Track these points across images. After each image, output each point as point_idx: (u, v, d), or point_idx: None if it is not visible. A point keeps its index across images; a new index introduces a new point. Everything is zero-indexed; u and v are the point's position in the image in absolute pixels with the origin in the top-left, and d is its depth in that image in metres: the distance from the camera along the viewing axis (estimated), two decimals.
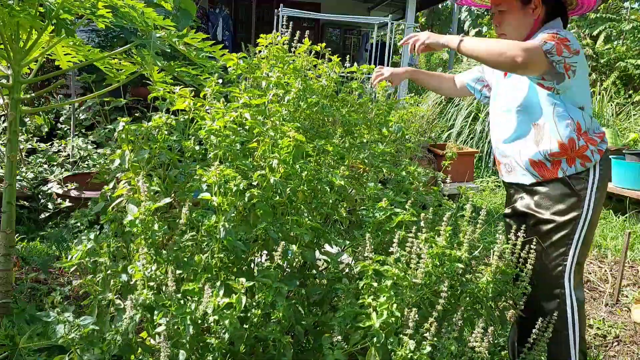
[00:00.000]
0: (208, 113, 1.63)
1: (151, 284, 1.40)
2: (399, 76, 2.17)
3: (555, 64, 1.68)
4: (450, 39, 1.79)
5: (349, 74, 2.10)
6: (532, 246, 1.70)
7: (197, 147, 1.66)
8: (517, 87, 1.87)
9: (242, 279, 1.33)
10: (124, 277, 1.55)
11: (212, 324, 1.30)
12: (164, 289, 1.40)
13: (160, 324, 1.32)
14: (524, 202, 1.91)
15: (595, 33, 8.29)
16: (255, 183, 1.49)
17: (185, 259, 1.46)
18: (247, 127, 1.66)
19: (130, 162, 1.57)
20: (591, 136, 1.79)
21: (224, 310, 1.30)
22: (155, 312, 1.35)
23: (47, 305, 1.51)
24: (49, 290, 2.43)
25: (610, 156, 5.01)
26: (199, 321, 1.33)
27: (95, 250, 1.60)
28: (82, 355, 1.42)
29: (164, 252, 1.45)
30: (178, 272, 1.49)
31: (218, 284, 1.38)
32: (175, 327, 1.32)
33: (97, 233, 1.64)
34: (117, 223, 1.63)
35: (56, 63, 2.31)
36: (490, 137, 2.06)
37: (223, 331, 1.29)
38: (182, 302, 1.34)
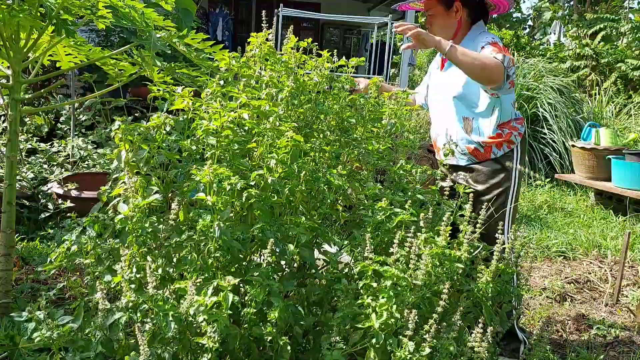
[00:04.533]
0: (207, 113, 1.63)
1: (132, 286, 1.39)
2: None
3: (508, 77, 1.92)
4: (440, 43, 1.90)
5: (340, 69, 2.09)
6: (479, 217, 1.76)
7: (194, 147, 1.65)
8: (454, 81, 2.14)
9: (229, 277, 1.32)
10: (108, 277, 1.55)
11: (202, 323, 1.30)
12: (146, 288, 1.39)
13: (145, 322, 1.32)
14: (461, 178, 2.21)
15: (591, 32, 8.29)
16: (253, 183, 1.49)
17: (177, 257, 1.46)
18: (245, 128, 1.66)
19: (128, 161, 1.57)
20: (514, 124, 2.14)
21: (213, 309, 1.29)
22: (137, 312, 1.35)
23: (33, 308, 1.50)
24: (49, 290, 2.43)
25: (610, 156, 5.02)
26: (186, 319, 1.32)
27: (76, 252, 1.59)
28: (66, 355, 1.41)
29: (155, 250, 1.45)
30: (171, 271, 1.49)
31: (212, 283, 1.37)
32: (158, 325, 1.32)
33: (78, 234, 1.64)
34: (101, 225, 1.63)
35: (58, 64, 2.31)
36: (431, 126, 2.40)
37: (214, 330, 1.29)
38: (164, 299, 1.34)
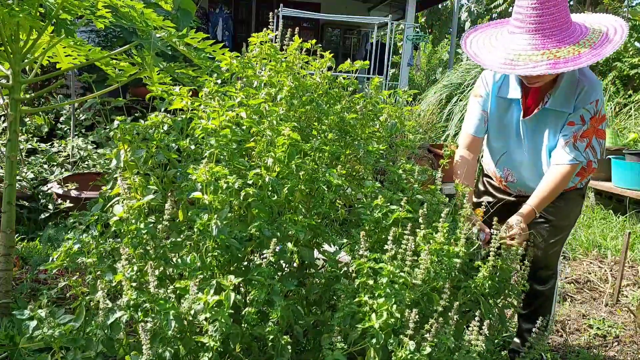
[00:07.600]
0: (205, 112, 1.63)
1: (134, 284, 1.39)
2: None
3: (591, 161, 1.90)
4: (529, 215, 1.85)
5: (341, 72, 2.09)
6: (529, 243, 1.74)
7: (192, 147, 1.66)
8: (545, 131, 1.93)
9: (231, 276, 1.33)
10: (109, 276, 1.55)
11: (203, 322, 1.30)
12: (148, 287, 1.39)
13: (146, 322, 1.32)
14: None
15: None
16: (251, 182, 1.49)
17: (176, 257, 1.46)
18: (244, 127, 1.66)
19: (127, 161, 1.56)
20: None
21: (215, 308, 1.29)
22: (139, 310, 1.35)
23: (35, 307, 1.50)
24: (49, 290, 2.44)
25: (610, 156, 4.99)
26: (187, 317, 1.32)
27: (80, 251, 1.59)
28: (67, 354, 1.41)
29: (151, 251, 1.44)
30: (170, 271, 1.49)
31: (213, 282, 1.37)
32: (159, 323, 1.32)
33: (80, 233, 1.64)
34: (102, 224, 1.64)
35: (57, 66, 2.31)
36: (498, 161, 2.09)
37: (215, 329, 1.29)
38: (165, 298, 1.34)
